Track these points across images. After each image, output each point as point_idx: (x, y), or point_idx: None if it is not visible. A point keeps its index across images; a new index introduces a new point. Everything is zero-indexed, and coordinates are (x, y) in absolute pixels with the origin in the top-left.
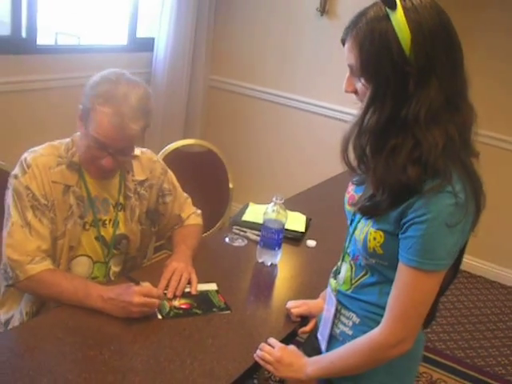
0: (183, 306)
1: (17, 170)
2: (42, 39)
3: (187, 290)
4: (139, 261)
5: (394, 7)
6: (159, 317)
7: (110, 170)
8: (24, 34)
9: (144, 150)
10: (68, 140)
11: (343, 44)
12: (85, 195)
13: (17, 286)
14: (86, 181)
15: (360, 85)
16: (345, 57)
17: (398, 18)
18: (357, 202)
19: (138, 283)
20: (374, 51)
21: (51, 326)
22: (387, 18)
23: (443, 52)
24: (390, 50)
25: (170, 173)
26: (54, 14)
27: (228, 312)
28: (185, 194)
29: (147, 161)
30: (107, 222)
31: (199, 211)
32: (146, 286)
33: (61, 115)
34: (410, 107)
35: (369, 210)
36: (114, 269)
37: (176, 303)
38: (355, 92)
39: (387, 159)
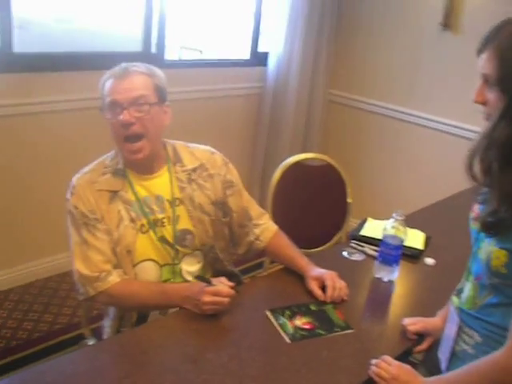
0: (306, 327)
1: (67, 193)
2: (168, 54)
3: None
4: (227, 264)
5: None
6: (287, 341)
7: (134, 135)
8: (154, 50)
9: (202, 146)
10: (113, 151)
11: (479, 53)
12: (133, 199)
13: (93, 300)
14: (133, 183)
15: (492, 95)
16: (480, 66)
17: None
18: (479, 218)
19: (209, 283)
20: None
21: (175, 327)
22: None
23: None
24: None
25: (232, 166)
26: (178, 29)
27: (351, 331)
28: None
29: (202, 151)
30: (165, 220)
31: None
32: (218, 285)
33: (186, 124)
34: None
35: (491, 226)
36: (188, 268)
37: (298, 322)
38: (484, 103)
39: None
